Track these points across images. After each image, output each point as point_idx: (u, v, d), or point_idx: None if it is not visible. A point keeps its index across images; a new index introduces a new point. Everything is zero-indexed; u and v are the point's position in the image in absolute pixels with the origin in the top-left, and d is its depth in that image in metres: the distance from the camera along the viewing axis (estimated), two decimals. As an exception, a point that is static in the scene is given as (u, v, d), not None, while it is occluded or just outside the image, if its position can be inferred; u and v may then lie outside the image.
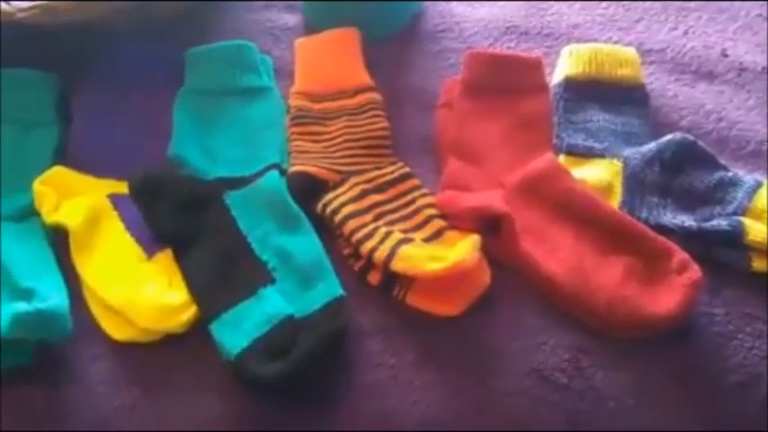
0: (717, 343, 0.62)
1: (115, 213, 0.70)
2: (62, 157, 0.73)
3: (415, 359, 0.62)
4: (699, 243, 0.65)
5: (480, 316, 0.63)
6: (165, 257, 0.67)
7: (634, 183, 0.69)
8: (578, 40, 0.80)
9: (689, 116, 0.75)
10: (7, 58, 0.76)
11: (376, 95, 0.76)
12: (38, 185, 0.70)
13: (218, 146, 0.73)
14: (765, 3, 0.85)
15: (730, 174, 0.69)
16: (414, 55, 0.81)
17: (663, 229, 0.66)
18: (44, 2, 0.72)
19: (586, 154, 0.72)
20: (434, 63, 0.80)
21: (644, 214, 0.67)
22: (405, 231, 0.67)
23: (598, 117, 0.74)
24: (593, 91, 0.75)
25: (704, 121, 0.75)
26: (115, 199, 0.70)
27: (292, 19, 0.85)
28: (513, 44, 0.82)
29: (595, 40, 0.81)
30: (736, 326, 0.63)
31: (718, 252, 0.65)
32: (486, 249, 0.64)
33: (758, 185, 0.68)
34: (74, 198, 0.70)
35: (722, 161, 0.70)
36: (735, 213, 0.66)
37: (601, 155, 0.71)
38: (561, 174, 0.69)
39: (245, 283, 0.64)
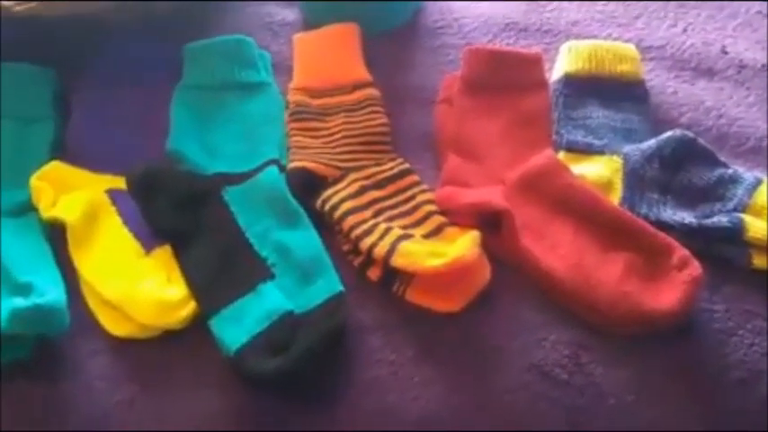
0: (717, 340, 0.62)
1: (113, 209, 0.70)
2: (60, 152, 0.73)
3: (414, 355, 0.61)
4: (699, 240, 0.65)
5: (480, 312, 0.63)
6: (164, 253, 0.67)
7: (634, 179, 0.69)
8: (577, 37, 0.80)
9: (689, 113, 0.75)
10: (5, 52, 0.76)
11: (375, 91, 0.75)
12: (35, 181, 0.69)
13: (217, 141, 0.73)
14: (765, 0, 0.85)
15: (730, 170, 0.69)
16: (413, 51, 0.81)
17: (663, 226, 0.66)
18: (42, -2, 0.72)
19: (586, 150, 0.72)
20: (434, 59, 0.80)
21: (644, 211, 0.67)
22: (404, 227, 0.67)
23: (598, 113, 0.74)
24: (592, 87, 0.75)
25: (704, 117, 0.75)
26: (113, 194, 0.70)
27: (291, 14, 0.85)
28: (512, 41, 0.82)
29: (595, 37, 0.81)
30: (737, 323, 0.63)
31: (719, 249, 0.65)
32: (485, 245, 0.64)
33: (758, 182, 0.68)
34: (71, 193, 0.69)
35: (722, 158, 0.70)
36: (735, 210, 0.66)
37: (600, 151, 0.71)
38: (561, 170, 0.69)
39: (245, 279, 0.64)
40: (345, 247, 0.67)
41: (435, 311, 0.63)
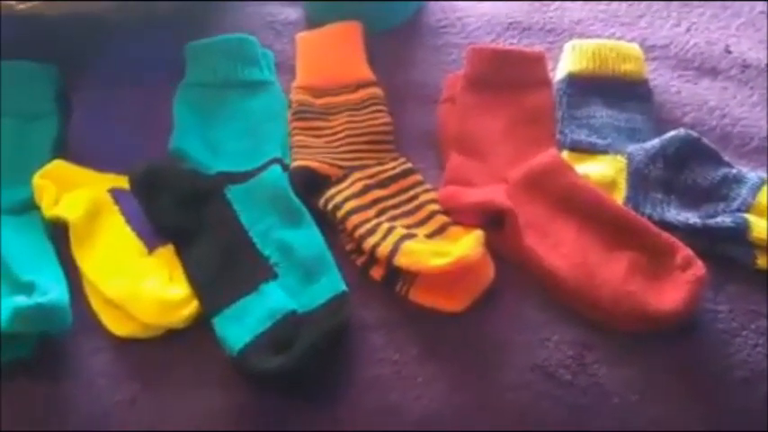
0: (721, 339, 0.62)
1: (116, 207, 0.69)
2: (62, 149, 0.73)
3: (418, 354, 0.61)
4: (703, 240, 0.65)
5: (484, 311, 0.63)
6: (166, 252, 0.67)
7: (638, 179, 0.69)
8: (581, 36, 0.80)
9: (692, 112, 0.75)
10: (8, 51, 0.75)
11: (378, 90, 0.75)
12: (37, 179, 0.69)
13: (220, 138, 0.73)
14: (768, 0, 0.85)
15: (734, 170, 0.69)
16: (416, 50, 0.81)
17: (667, 226, 0.66)
18: (45, -4, 0.72)
19: (590, 150, 0.71)
20: (437, 58, 0.80)
21: (648, 210, 0.67)
22: (408, 227, 0.66)
23: (601, 113, 0.73)
24: (596, 87, 0.74)
25: (707, 117, 0.75)
26: (116, 193, 0.70)
27: (293, 13, 0.85)
28: (515, 40, 0.82)
29: (598, 37, 0.81)
30: (740, 323, 0.63)
31: (723, 249, 0.65)
32: (489, 244, 0.64)
33: (762, 182, 0.68)
34: (74, 191, 0.69)
35: (726, 158, 0.70)
36: (739, 210, 0.66)
37: (604, 151, 0.71)
38: (565, 169, 0.69)
39: (247, 279, 0.64)
40: (348, 247, 0.67)
41: (438, 311, 0.63)
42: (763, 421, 0.60)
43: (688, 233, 0.65)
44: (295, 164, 0.71)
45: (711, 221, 0.65)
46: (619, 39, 0.80)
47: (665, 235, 0.64)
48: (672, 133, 0.70)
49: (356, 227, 0.66)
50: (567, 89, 0.74)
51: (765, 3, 0.84)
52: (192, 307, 0.63)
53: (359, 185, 0.69)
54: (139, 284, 0.64)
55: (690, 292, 0.61)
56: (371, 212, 0.67)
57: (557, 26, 0.83)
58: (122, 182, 0.70)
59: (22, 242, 0.66)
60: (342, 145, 0.72)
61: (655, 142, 0.70)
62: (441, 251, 0.63)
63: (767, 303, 0.63)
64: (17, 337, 0.60)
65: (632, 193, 0.68)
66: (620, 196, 0.68)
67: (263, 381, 0.59)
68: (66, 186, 0.70)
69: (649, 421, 0.59)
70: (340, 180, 0.70)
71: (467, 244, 0.63)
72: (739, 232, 0.64)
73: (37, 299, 0.60)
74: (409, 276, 0.63)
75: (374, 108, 0.74)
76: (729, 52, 0.80)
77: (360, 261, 0.66)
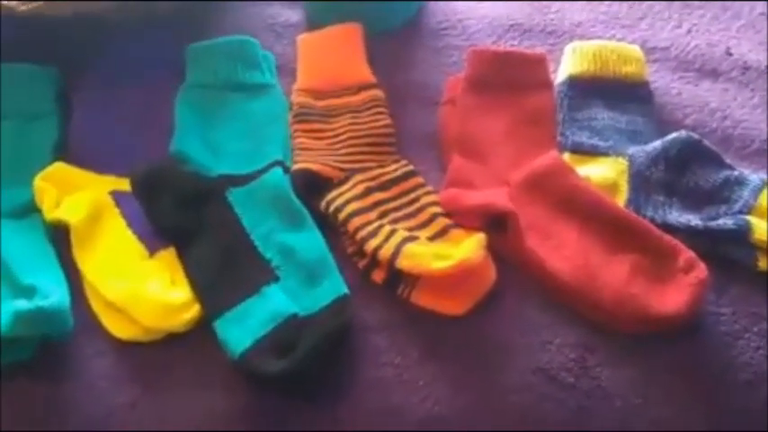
0: (723, 342, 0.62)
1: (117, 210, 0.69)
2: (63, 151, 0.73)
3: (419, 356, 0.61)
4: (704, 242, 0.65)
5: (485, 313, 0.63)
6: (168, 255, 0.67)
7: (639, 181, 0.69)
8: (581, 38, 0.80)
9: (693, 114, 0.75)
10: (8, 52, 0.75)
11: (379, 93, 0.75)
12: (38, 182, 0.69)
13: (221, 139, 0.73)
14: (768, 1, 0.85)
15: (736, 172, 0.69)
16: (417, 52, 0.81)
17: (669, 228, 0.66)
18: (45, -2, 0.72)
19: (591, 152, 0.71)
20: (437, 60, 0.80)
21: (650, 213, 0.67)
22: (409, 229, 0.66)
23: (602, 115, 0.73)
24: (597, 89, 0.74)
25: (708, 119, 0.75)
26: (117, 196, 0.70)
27: (294, 15, 0.84)
28: (516, 42, 0.82)
29: (599, 38, 0.80)
30: (743, 325, 0.63)
31: (725, 251, 0.65)
32: (490, 247, 0.64)
33: (763, 184, 0.68)
34: (75, 194, 0.69)
35: (727, 160, 0.70)
36: (740, 212, 0.66)
37: (605, 153, 0.71)
38: (566, 171, 0.69)
39: (249, 281, 0.64)
40: (350, 249, 0.66)
41: (440, 314, 0.63)
42: (765, 423, 0.60)
43: (690, 235, 0.65)
44: (296, 166, 0.71)
45: (713, 224, 0.65)
46: (620, 41, 0.80)
47: (668, 237, 0.64)
48: (673, 135, 0.70)
49: (358, 229, 0.66)
50: (568, 91, 0.74)
51: (766, 4, 0.84)
52: (194, 310, 0.63)
53: (360, 188, 0.69)
54: (141, 287, 0.64)
55: (692, 295, 0.61)
56: (373, 215, 0.67)
57: (557, 28, 0.82)
58: (123, 184, 0.70)
59: (22, 245, 0.66)
60: (343, 147, 0.72)
61: (656, 144, 0.70)
62: (442, 254, 0.63)
63: (769, 306, 0.64)
64: (18, 341, 0.60)
65: (634, 195, 0.68)
66: (621, 198, 0.68)
67: (266, 384, 0.59)
68: (66, 189, 0.69)
69: (651, 424, 0.59)
70: (341, 182, 0.70)
71: (468, 247, 0.63)
72: (741, 234, 0.64)
73: (38, 302, 0.60)
74: (411, 279, 0.63)
75: (375, 110, 0.74)
76: (730, 54, 0.80)
77: (361, 264, 0.66)
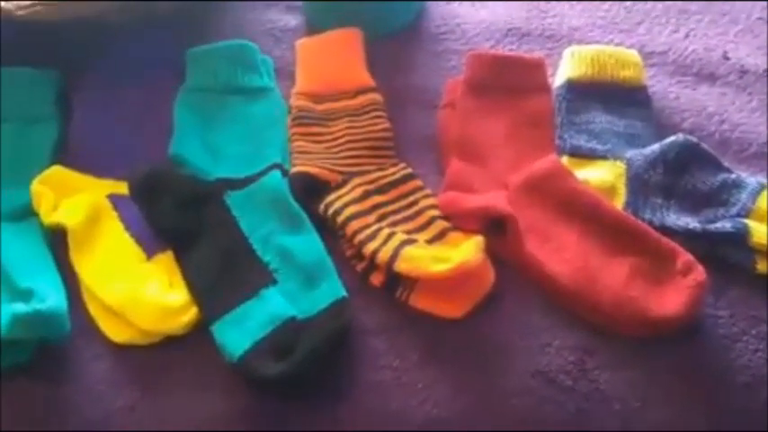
0: (722, 345, 0.62)
1: (115, 213, 0.69)
2: (62, 154, 0.73)
3: (418, 360, 0.61)
4: (703, 244, 0.65)
5: (484, 316, 0.63)
6: (165, 258, 0.67)
7: (637, 184, 0.69)
8: (579, 43, 0.80)
9: (691, 118, 0.75)
10: (7, 55, 0.75)
11: (377, 96, 0.75)
12: (36, 185, 0.69)
13: (220, 143, 0.73)
14: (767, 5, 0.85)
15: (733, 175, 0.69)
16: (415, 56, 0.81)
17: (667, 231, 0.66)
18: (45, 0, 0.72)
19: (589, 155, 0.71)
20: (436, 64, 0.80)
21: (648, 215, 0.67)
22: (408, 232, 0.66)
23: (601, 119, 0.74)
24: (595, 92, 0.75)
25: (706, 123, 0.75)
26: (115, 199, 0.70)
27: (293, 20, 0.85)
28: (514, 46, 0.82)
29: (597, 43, 0.81)
30: (741, 328, 0.63)
31: (723, 253, 0.65)
32: (489, 250, 0.64)
33: (761, 187, 0.68)
34: (73, 197, 0.69)
35: (725, 163, 0.70)
36: (738, 215, 0.66)
37: (604, 156, 0.71)
38: (565, 174, 0.69)
39: (247, 284, 0.64)
40: (348, 252, 0.66)
41: (439, 317, 0.63)
42: (765, 426, 0.60)
43: (688, 238, 0.65)
44: (295, 169, 0.71)
45: (711, 226, 0.65)
46: (618, 45, 0.81)
47: (666, 240, 0.64)
48: (671, 138, 0.70)
49: (356, 232, 0.66)
50: (567, 95, 0.74)
51: (763, 9, 0.85)
52: (192, 313, 0.63)
53: (359, 191, 0.69)
54: (138, 290, 0.64)
55: (691, 297, 0.61)
56: (371, 218, 0.67)
57: (556, 32, 0.83)
58: (121, 187, 0.70)
59: (20, 248, 0.66)
60: (342, 150, 0.72)
61: (654, 147, 0.70)
62: (441, 257, 0.63)
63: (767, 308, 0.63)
64: (15, 344, 0.60)
65: (632, 198, 0.68)
66: (619, 201, 0.68)
67: (264, 387, 0.59)
68: (64, 192, 0.69)
69: (650, 426, 0.59)
70: (340, 186, 0.70)
71: (467, 249, 0.63)
72: (739, 237, 0.64)
73: (35, 305, 0.60)
74: (409, 282, 0.63)
75: (374, 114, 0.74)
76: (727, 58, 0.80)
77: (360, 267, 0.66)
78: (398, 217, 0.68)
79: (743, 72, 0.79)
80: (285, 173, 0.71)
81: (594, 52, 0.76)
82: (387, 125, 0.74)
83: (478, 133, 0.72)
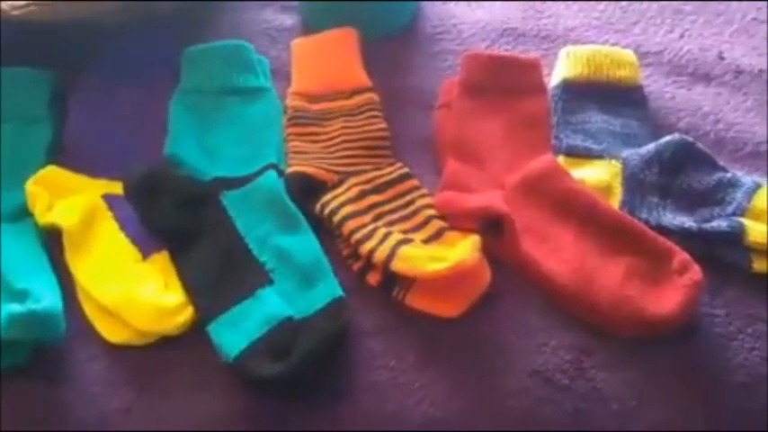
0: (718, 343, 0.62)
1: (110, 214, 0.69)
2: (57, 154, 0.73)
3: (415, 360, 0.61)
4: (699, 244, 0.65)
5: (481, 316, 0.63)
6: (161, 258, 0.67)
7: (633, 183, 0.69)
8: (575, 43, 0.80)
9: (686, 118, 0.76)
10: (5, 55, 0.75)
11: (374, 96, 0.75)
12: (30, 186, 0.69)
13: (216, 143, 0.73)
14: (763, 5, 0.85)
15: (729, 175, 0.69)
16: (412, 56, 0.81)
17: (663, 230, 0.66)
18: (39, 1, 0.72)
19: (585, 155, 0.72)
20: (432, 64, 0.80)
21: (644, 215, 0.67)
22: (404, 232, 0.66)
23: (596, 118, 0.74)
24: (591, 92, 0.75)
25: (702, 122, 0.75)
26: (110, 199, 0.70)
27: (289, 20, 0.84)
28: (510, 46, 0.82)
29: (592, 43, 0.81)
30: (738, 326, 0.63)
31: (719, 253, 0.65)
32: (486, 249, 0.64)
33: (757, 186, 0.68)
34: (67, 198, 0.69)
35: (720, 162, 0.70)
36: (734, 214, 0.66)
37: (599, 156, 0.71)
38: (561, 174, 0.69)
39: (243, 284, 0.64)
40: (345, 252, 0.66)
41: (435, 316, 0.63)
42: (762, 424, 0.60)
43: (684, 237, 0.65)
44: (291, 169, 0.71)
45: (707, 226, 0.66)
46: (613, 45, 0.81)
47: (662, 239, 0.65)
48: (667, 138, 0.70)
49: (352, 232, 0.66)
50: (563, 95, 0.74)
51: (759, 9, 0.85)
52: (187, 314, 0.63)
53: (355, 191, 0.69)
54: (134, 291, 0.63)
55: (687, 296, 0.61)
56: (368, 218, 0.67)
57: (551, 33, 0.83)
58: (116, 188, 0.70)
59: (16, 249, 0.66)
60: (338, 150, 0.72)
61: (650, 147, 0.70)
62: (437, 256, 0.63)
63: (764, 307, 0.63)
64: (12, 345, 0.60)
65: (628, 197, 0.68)
66: (615, 201, 0.68)
67: (262, 387, 0.59)
68: (59, 192, 0.69)
69: (648, 426, 0.59)
70: (336, 185, 0.70)
71: (463, 249, 0.63)
72: (735, 236, 0.65)
73: (30, 306, 0.60)
74: (406, 282, 0.63)
75: (370, 114, 0.74)
76: (723, 58, 0.80)
77: (356, 266, 0.65)
78: (395, 216, 0.68)
79: (738, 72, 0.79)
80: (281, 173, 0.70)
81: (590, 52, 0.76)
82: (383, 125, 0.73)
83: (474, 134, 0.73)
